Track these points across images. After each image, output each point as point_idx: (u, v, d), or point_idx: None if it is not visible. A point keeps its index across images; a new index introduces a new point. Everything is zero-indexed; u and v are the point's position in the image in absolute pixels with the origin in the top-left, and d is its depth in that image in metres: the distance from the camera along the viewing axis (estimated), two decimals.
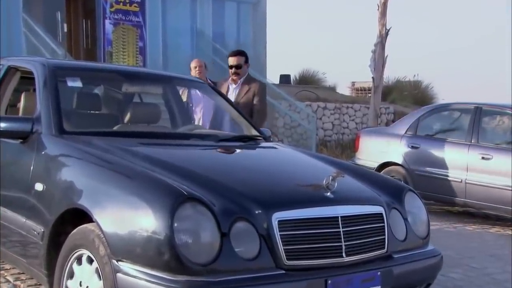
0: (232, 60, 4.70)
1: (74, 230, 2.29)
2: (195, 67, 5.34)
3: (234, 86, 4.67)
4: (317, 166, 2.89)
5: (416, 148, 6.21)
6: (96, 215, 2.16)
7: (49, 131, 2.70)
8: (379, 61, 10.32)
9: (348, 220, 2.30)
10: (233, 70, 4.69)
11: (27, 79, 3.37)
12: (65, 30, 10.08)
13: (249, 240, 2.09)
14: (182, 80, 3.88)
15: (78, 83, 3.15)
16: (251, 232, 2.10)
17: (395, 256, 2.44)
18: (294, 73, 16.29)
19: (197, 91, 4.04)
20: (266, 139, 3.38)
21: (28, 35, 9.51)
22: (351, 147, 10.62)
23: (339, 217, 2.27)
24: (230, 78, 4.70)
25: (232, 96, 4.59)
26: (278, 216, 2.14)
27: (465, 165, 5.78)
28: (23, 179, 2.65)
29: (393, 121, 12.06)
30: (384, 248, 2.41)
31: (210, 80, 5.44)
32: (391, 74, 17.89)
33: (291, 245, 2.13)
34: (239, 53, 4.80)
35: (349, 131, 12.50)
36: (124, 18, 11.01)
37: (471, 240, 4.99)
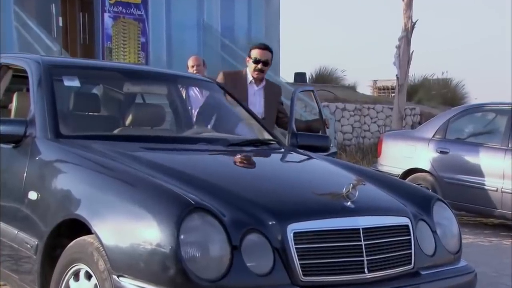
0: (259, 54, 4.11)
1: (71, 243, 2.30)
2: (193, 66, 5.31)
3: (256, 87, 4.18)
4: (336, 173, 2.89)
5: (446, 153, 6.18)
6: (95, 226, 2.17)
7: (44, 135, 2.73)
8: (404, 57, 10.29)
9: (371, 232, 2.30)
10: (259, 65, 4.11)
11: (20, 77, 3.41)
12: (61, 24, 10.17)
13: (262, 254, 2.10)
14: (188, 79, 3.91)
15: (75, 83, 3.17)
16: (264, 245, 2.11)
17: (423, 272, 2.43)
18: (310, 71, 16.34)
19: (195, 90, 4.04)
20: (280, 143, 3.39)
21: (20, 29, 9.62)
22: (373, 152, 10.60)
23: (361, 229, 2.27)
24: (250, 76, 4.14)
25: (255, 99, 4.11)
26: (293, 227, 2.15)
27: (501, 172, 5.74)
28: (16, 187, 2.67)
29: (420, 123, 12.02)
30: (410, 263, 2.40)
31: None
32: (417, 71, 17.88)
33: (308, 259, 2.14)
34: (268, 47, 4.20)
35: (371, 135, 12.47)
36: (124, 11, 11.10)
37: (508, 256, 4.94)
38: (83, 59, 5.80)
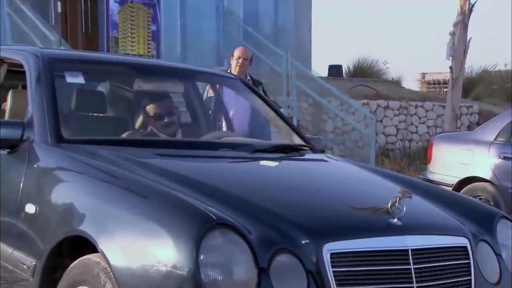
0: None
1: (74, 263, 2.34)
2: (239, 57, 5.32)
3: None
4: (379, 185, 2.89)
5: (510, 159, 6.11)
6: (102, 244, 2.20)
7: (43, 139, 2.77)
8: (459, 45, 10.22)
9: (421, 254, 2.29)
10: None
11: (15, 73, 3.47)
12: (59, 10, 10.33)
13: (294, 277, 2.11)
14: (208, 75, 3.94)
15: (79, 79, 3.22)
16: (296, 268, 2.12)
17: None
18: (346, 64, 16.28)
19: (231, 89, 4.08)
20: (314, 149, 3.40)
21: (13, 16, 9.77)
22: (422, 157, 10.52)
23: (409, 250, 2.27)
24: None
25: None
26: (330, 247, 2.16)
27: None
28: (11, 199, 2.72)
29: (478, 123, 11.89)
30: None
31: (250, 77, 5.42)
32: (475, 62, 17.65)
33: (347, 285, 2.14)
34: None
35: (419, 137, 12.39)
36: None
37: None
38: (87, 52, 5.88)
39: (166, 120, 3.33)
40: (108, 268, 2.16)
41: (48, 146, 2.75)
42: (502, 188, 6.08)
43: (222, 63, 10.99)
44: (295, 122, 9.55)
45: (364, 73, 15.56)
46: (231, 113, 4.82)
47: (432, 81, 18.88)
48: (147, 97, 3.45)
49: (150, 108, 3.35)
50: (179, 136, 3.39)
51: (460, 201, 2.88)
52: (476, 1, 10.31)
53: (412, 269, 2.24)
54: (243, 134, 4.36)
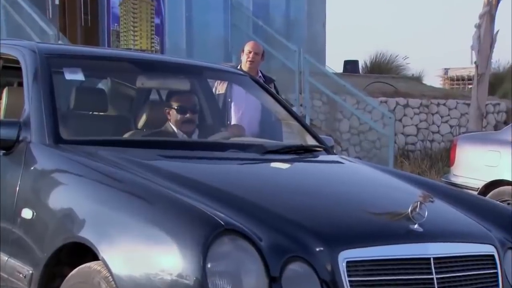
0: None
1: (74, 271, 2.35)
2: (250, 52, 5.34)
3: None
4: (398, 188, 2.90)
5: None
6: (103, 251, 2.22)
7: (40, 140, 2.79)
8: (485, 39, 10.19)
9: (444, 263, 2.29)
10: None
11: (11, 69, 3.50)
12: (57, 2, 10.37)
13: (307, 287, 2.11)
14: (216, 72, 3.96)
15: (78, 76, 3.25)
16: (309, 277, 2.12)
17: None
18: (363, 59, 16.24)
19: (241, 86, 4.11)
20: (328, 150, 3.40)
21: (9, 9, 9.81)
22: (444, 159, 10.49)
23: (432, 259, 2.27)
24: None
25: None
26: (346, 255, 2.16)
27: None
28: (6, 204, 2.74)
29: (506, 123, 11.84)
30: None
31: (262, 73, 5.44)
32: (503, 56, 17.54)
33: None
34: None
35: (441, 138, 12.37)
36: None
37: None
38: (87, 47, 5.90)
39: (188, 115, 3.38)
40: (110, 277, 2.18)
41: (46, 147, 2.77)
42: None
43: (231, 59, 11.00)
44: (308, 122, 9.55)
45: (382, 69, 15.53)
46: (240, 112, 4.84)
47: (455, 77, 18.83)
48: (173, 92, 3.53)
49: (175, 100, 3.41)
50: (195, 137, 3.42)
51: (486, 206, 2.88)
52: None
53: (435, 279, 2.25)
54: (253, 134, 4.37)
